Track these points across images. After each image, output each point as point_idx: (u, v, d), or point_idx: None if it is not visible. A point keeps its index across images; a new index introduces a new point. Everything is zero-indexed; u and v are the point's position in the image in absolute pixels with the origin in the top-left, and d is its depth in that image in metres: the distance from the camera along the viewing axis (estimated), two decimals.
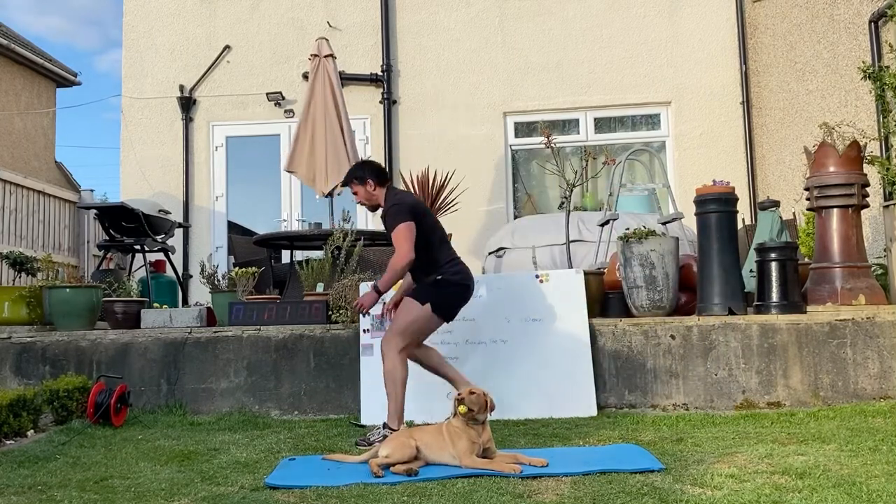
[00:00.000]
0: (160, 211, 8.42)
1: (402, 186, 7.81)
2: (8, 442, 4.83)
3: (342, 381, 5.85)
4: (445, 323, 4.89)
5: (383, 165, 10.41)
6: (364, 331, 5.77)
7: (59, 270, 7.45)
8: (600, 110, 10.56)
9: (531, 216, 10.00)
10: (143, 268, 8.39)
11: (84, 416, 5.29)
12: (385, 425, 4.69)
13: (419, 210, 4.81)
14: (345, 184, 5.07)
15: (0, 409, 4.79)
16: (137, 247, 8.25)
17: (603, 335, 5.73)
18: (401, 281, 5.00)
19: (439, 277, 4.76)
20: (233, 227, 10.87)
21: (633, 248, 5.96)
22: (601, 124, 10.63)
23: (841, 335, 5.54)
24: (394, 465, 3.83)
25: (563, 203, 7.36)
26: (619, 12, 10.54)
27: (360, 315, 4.70)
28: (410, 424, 5.31)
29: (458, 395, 3.97)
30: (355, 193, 4.95)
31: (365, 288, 5.82)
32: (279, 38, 10.98)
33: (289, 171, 8.62)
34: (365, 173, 4.89)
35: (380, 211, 4.95)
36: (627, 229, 6.22)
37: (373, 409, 5.53)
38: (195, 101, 10.99)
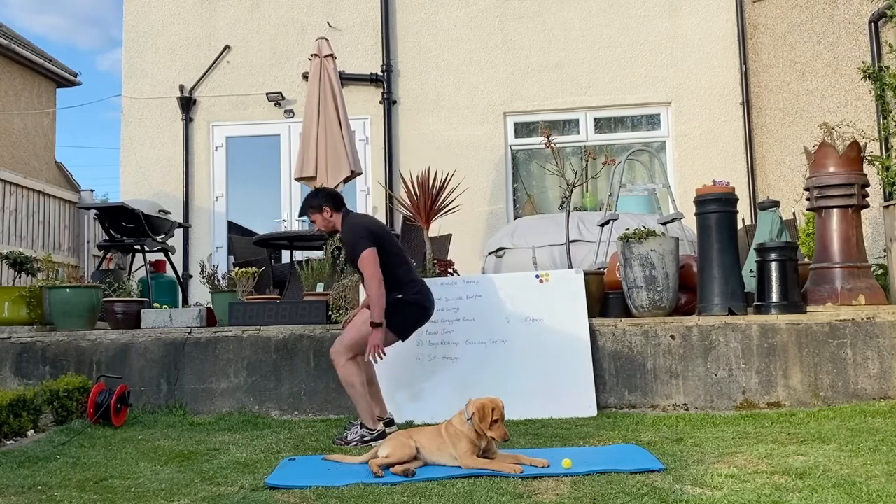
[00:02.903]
0: (160, 211, 8.42)
1: (401, 187, 7.81)
2: (8, 442, 4.83)
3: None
4: (400, 342, 4.96)
5: (385, 166, 10.47)
6: None
7: (59, 270, 7.45)
8: (600, 110, 10.57)
9: (531, 216, 10.00)
10: (143, 268, 8.39)
11: (84, 417, 5.29)
12: (361, 425, 4.79)
13: (377, 232, 4.88)
14: (301, 214, 5.15)
15: (0, 410, 4.79)
16: (137, 247, 8.25)
17: (603, 335, 5.73)
18: (361, 297, 5.04)
19: (399, 296, 4.83)
20: (233, 227, 10.87)
21: (633, 249, 5.96)
22: (601, 124, 10.64)
23: (841, 335, 5.54)
24: (393, 465, 3.83)
25: (563, 203, 7.36)
26: (619, 12, 10.54)
27: (380, 357, 4.73)
28: (411, 424, 5.32)
29: (483, 407, 3.88)
30: (313, 222, 5.05)
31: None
32: (279, 38, 10.98)
33: (299, 180, 8.53)
34: (320, 201, 4.98)
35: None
36: (627, 229, 6.22)
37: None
38: (195, 101, 10.99)
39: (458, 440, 3.87)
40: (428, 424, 5.24)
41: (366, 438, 4.72)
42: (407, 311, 4.88)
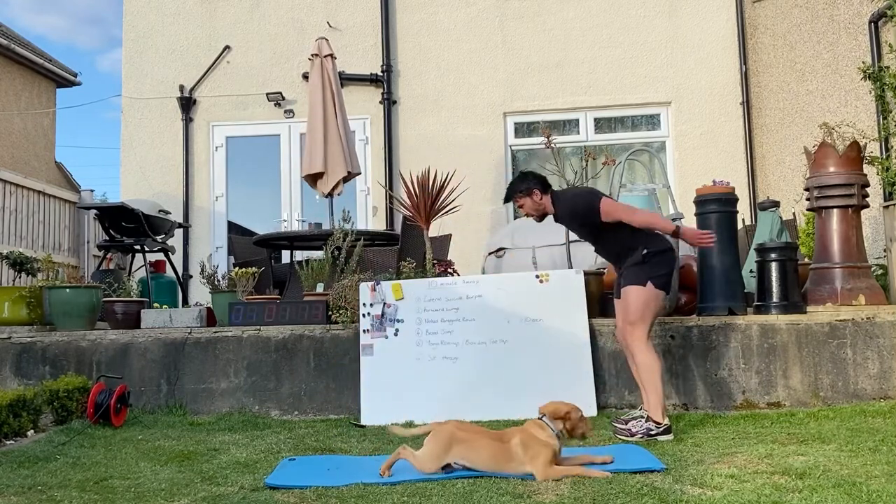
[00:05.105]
0: (160, 211, 8.42)
1: (401, 187, 7.81)
2: (8, 442, 4.83)
3: (342, 381, 5.85)
4: (666, 295, 4.82)
5: (385, 167, 10.46)
6: (364, 331, 5.77)
7: (59, 271, 7.44)
8: (600, 110, 10.57)
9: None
10: (143, 268, 8.39)
11: (84, 417, 5.29)
12: (648, 417, 4.52)
13: (595, 191, 4.82)
14: (507, 200, 4.97)
15: (0, 410, 4.79)
16: (137, 247, 8.25)
17: (603, 335, 5.73)
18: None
19: (645, 252, 4.63)
20: (233, 227, 10.87)
21: None
22: (601, 124, 10.64)
23: (841, 335, 5.54)
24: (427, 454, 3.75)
25: None
26: (619, 12, 10.54)
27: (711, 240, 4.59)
28: (410, 425, 5.31)
29: (573, 415, 3.77)
30: (520, 206, 4.89)
31: (365, 289, 5.82)
32: (279, 39, 10.98)
33: (307, 177, 8.46)
34: (529, 184, 4.82)
35: (549, 218, 4.94)
36: None
37: (373, 409, 5.53)
38: (195, 101, 10.99)
39: (539, 452, 3.65)
40: (427, 424, 5.26)
41: (652, 432, 4.46)
42: (660, 260, 4.65)
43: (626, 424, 4.57)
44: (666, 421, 4.52)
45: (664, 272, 4.66)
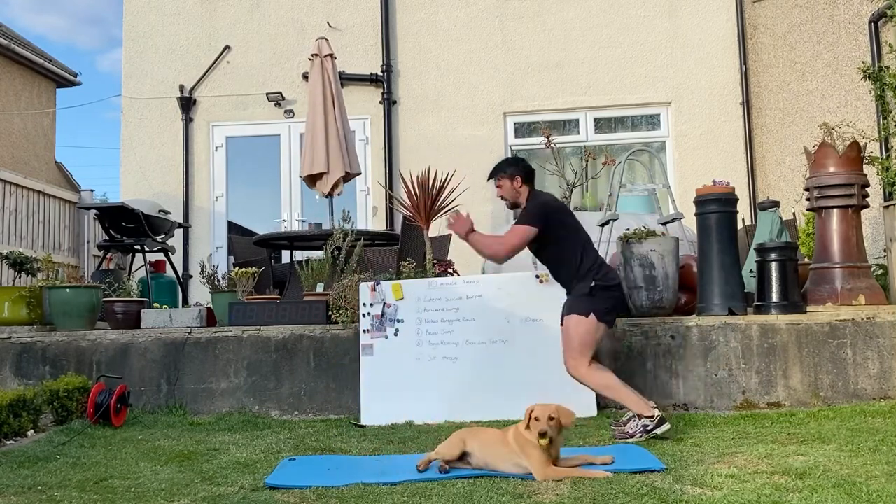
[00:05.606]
0: (160, 211, 8.42)
1: (401, 187, 7.81)
2: (8, 442, 4.83)
3: (342, 381, 5.85)
4: (609, 328, 4.81)
5: (385, 167, 10.46)
6: (364, 331, 5.76)
7: (59, 270, 7.44)
8: (600, 110, 10.57)
9: None
10: (143, 268, 8.39)
11: (84, 417, 5.29)
12: (639, 416, 4.53)
13: (556, 212, 4.78)
14: (491, 177, 4.97)
15: (0, 410, 4.79)
16: (137, 247, 8.25)
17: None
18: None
19: (593, 284, 4.65)
20: (233, 227, 10.87)
21: (633, 249, 5.96)
22: (601, 124, 10.64)
23: (841, 335, 5.54)
24: (444, 461, 3.79)
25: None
26: (619, 12, 10.54)
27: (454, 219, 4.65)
28: (410, 425, 5.32)
29: (534, 414, 3.71)
30: (499, 187, 4.90)
31: (365, 289, 5.82)
32: (279, 39, 10.98)
33: (307, 178, 8.43)
34: (515, 170, 4.84)
35: (517, 211, 4.94)
36: (627, 229, 6.22)
37: (373, 409, 5.53)
38: (195, 101, 10.99)
39: (531, 450, 3.67)
40: (428, 424, 5.27)
41: (649, 427, 4.47)
42: (606, 296, 4.67)
43: (624, 427, 4.58)
44: (656, 412, 4.54)
45: (609, 307, 4.70)
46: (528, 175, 4.86)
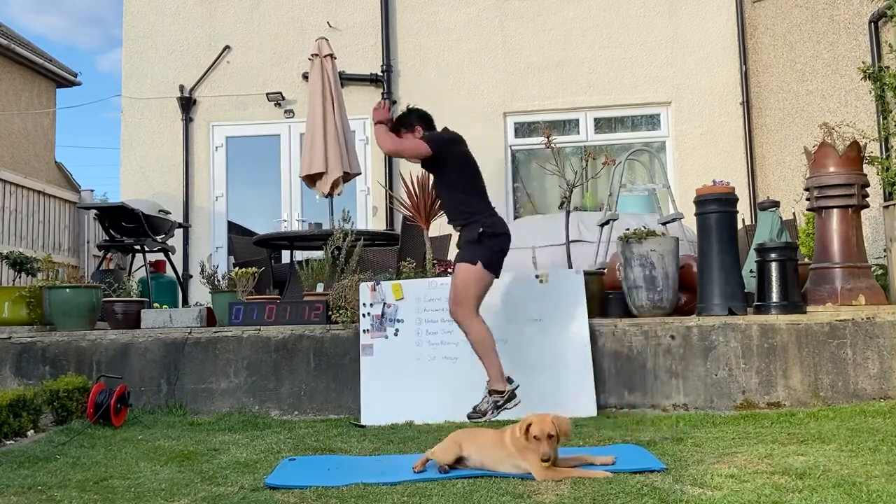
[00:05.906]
0: (160, 211, 8.42)
1: (401, 187, 7.81)
2: (8, 442, 4.82)
3: (342, 381, 5.85)
4: (495, 277, 4.91)
5: (385, 167, 10.46)
6: (364, 331, 5.77)
7: (59, 270, 7.44)
8: (600, 110, 10.57)
9: (531, 216, 9.99)
10: (143, 268, 8.39)
11: (84, 417, 5.29)
12: (492, 391, 4.62)
13: (453, 144, 5.05)
14: (393, 129, 5.12)
15: (0, 410, 4.79)
16: (137, 247, 8.25)
17: (603, 335, 5.72)
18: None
19: (481, 231, 4.80)
20: (233, 227, 10.87)
21: (633, 249, 5.96)
22: (601, 124, 10.64)
23: (841, 335, 5.54)
24: (439, 463, 3.78)
25: (563, 203, 7.36)
26: (619, 12, 10.54)
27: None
28: (410, 425, 5.32)
29: (532, 431, 3.63)
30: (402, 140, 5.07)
31: (365, 289, 5.82)
32: (279, 38, 10.98)
33: (306, 178, 8.40)
34: (413, 120, 5.09)
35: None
36: (627, 229, 6.22)
37: (373, 409, 5.53)
38: (195, 101, 11.00)
39: (529, 451, 3.65)
40: (428, 424, 5.27)
41: (499, 403, 4.52)
42: (493, 243, 4.82)
43: (477, 409, 4.66)
44: (508, 386, 4.62)
45: (495, 253, 4.84)
46: (424, 120, 5.13)
